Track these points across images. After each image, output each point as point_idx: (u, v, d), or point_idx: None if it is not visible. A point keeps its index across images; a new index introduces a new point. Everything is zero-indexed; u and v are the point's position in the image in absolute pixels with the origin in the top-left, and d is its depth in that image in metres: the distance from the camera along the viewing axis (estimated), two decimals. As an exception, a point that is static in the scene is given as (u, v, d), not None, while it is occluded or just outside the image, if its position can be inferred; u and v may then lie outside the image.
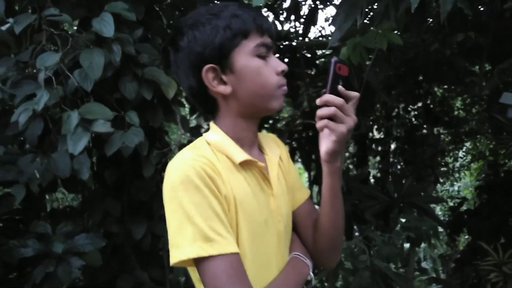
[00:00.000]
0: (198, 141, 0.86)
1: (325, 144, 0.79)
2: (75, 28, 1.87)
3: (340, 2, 1.43)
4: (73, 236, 1.62)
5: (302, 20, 3.03)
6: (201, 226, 0.71)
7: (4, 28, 1.66)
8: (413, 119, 3.95)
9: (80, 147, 1.46)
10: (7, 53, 1.80)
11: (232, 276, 0.71)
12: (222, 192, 0.76)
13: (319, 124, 0.77)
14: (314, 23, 3.02)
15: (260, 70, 0.81)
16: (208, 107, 0.87)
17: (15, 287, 1.64)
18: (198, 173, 0.74)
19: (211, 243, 0.70)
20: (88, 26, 1.69)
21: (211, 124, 0.89)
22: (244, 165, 0.83)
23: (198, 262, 0.71)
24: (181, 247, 0.71)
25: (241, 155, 0.82)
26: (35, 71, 1.67)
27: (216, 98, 0.85)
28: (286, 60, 3.10)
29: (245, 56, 0.81)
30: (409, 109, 3.99)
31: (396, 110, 3.96)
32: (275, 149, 0.95)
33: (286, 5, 3.12)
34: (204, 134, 0.88)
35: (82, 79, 1.49)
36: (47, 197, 2.17)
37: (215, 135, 0.85)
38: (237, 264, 0.72)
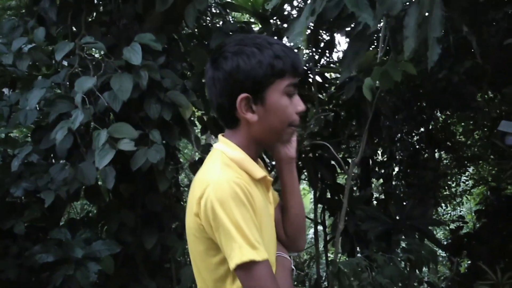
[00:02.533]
0: (225, 159, 0.93)
1: (293, 147, 1.03)
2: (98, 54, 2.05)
3: (348, 45, 1.60)
4: (91, 242, 1.76)
5: (319, 48, 3.18)
6: (249, 236, 0.82)
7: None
8: (416, 144, 4.07)
9: (105, 162, 1.63)
10: (37, 75, 1.98)
11: (272, 277, 0.86)
12: (257, 208, 0.88)
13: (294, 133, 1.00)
14: (330, 53, 3.20)
15: (286, 108, 0.92)
16: (230, 124, 0.96)
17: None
18: (243, 191, 0.85)
19: (257, 251, 0.82)
20: (115, 53, 1.87)
21: (224, 139, 0.97)
22: (259, 180, 0.95)
23: (242, 267, 0.82)
24: (235, 251, 0.82)
25: (259, 172, 0.94)
26: (66, 90, 1.84)
27: (240, 119, 0.94)
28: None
29: (277, 93, 0.91)
30: (412, 133, 4.10)
31: (399, 134, 4.08)
32: (262, 167, 1.06)
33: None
34: (219, 148, 0.95)
35: (112, 100, 1.66)
36: (74, 207, 2.31)
37: (235, 152, 0.94)
38: (270, 268, 0.87)
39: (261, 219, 0.90)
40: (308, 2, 1.51)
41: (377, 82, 1.97)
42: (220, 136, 0.99)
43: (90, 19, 1.98)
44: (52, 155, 1.87)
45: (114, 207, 2.11)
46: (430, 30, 1.43)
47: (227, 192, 0.84)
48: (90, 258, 1.64)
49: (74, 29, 2.00)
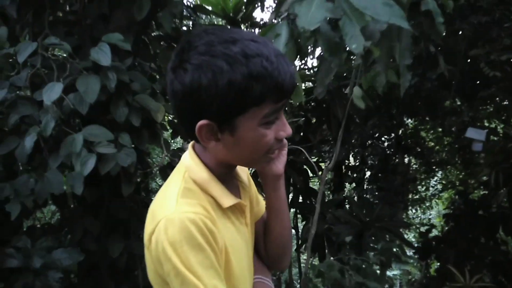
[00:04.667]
0: (189, 184, 0.78)
1: (282, 162, 0.87)
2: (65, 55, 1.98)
3: (319, 62, 1.63)
4: (52, 251, 1.68)
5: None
6: (206, 282, 0.69)
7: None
8: (386, 149, 4.15)
9: (89, 168, 1.57)
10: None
11: None
12: (219, 244, 0.74)
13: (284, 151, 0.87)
14: (302, 58, 3.21)
15: (261, 139, 0.73)
16: (197, 141, 0.80)
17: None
18: (200, 229, 0.70)
19: None
20: (80, 53, 1.82)
21: (192, 152, 0.82)
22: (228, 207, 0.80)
23: None
24: None
25: (227, 200, 0.79)
26: (28, 92, 1.77)
27: None
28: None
29: (250, 125, 0.71)
30: (382, 139, 4.19)
31: (370, 139, 4.16)
32: (243, 169, 0.93)
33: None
34: (185, 163, 0.81)
35: (78, 102, 1.60)
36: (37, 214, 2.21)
37: (201, 173, 0.79)
38: None
39: (229, 257, 0.78)
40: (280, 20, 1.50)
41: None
42: (190, 146, 0.84)
43: (53, 18, 1.91)
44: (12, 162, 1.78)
45: (77, 214, 2.04)
46: (401, 58, 1.47)
47: (180, 234, 0.69)
48: (51, 267, 1.57)
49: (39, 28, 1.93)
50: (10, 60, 1.84)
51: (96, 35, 1.77)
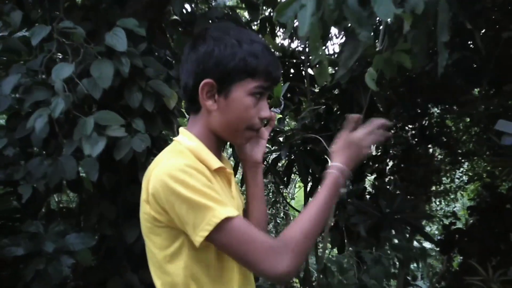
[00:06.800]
0: (180, 147, 0.90)
1: (261, 151, 1.01)
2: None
3: (344, 41, 1.54)
4: (65, 235, 1.70)
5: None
6: (215, 196, 0.80)
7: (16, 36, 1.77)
8: (410, 139, 4.02)
9: (98, 150, 1.58)
10: (17, 60, 1.91)
11: (252, 228, 0.83)
12: (214, 185, 0.85)
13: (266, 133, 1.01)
14: (324, 44, 3.12)
15: (248, 109, 0.89)
16: (191, 107, 0.94)
17: (8, 285, 1.71)
18: (196, 167, 0.82)
19: (228, 208, 0.80)
20: (96, 38, 1.80)
21: (183, 130, 0.95)
22: (217, 171, 0.92)
23: (218, 229, 0.78)
24: (205, 216, 0.78)
25: (216, 163, 0.91)
26: (44, 76, 1.77)
27: (201, 106, 0.91)
28: (291, 76, 3.19)
29: (243, 92, 0.88)
30: (406, 128, 4.05)
31: (394, 128, 4.03)
32: (227, 162, 1.06)
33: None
34: (179, 139, 0.93)
35: (92, 87, 1.60)
36: (55, 197, 2.25)
37: (191, 142, 0.91)
38: (247, 221, 0.85)
39: (223, 197, 0.86)
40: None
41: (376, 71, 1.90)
42: (180, 128, 0.97)
43: (69, 3, 1.90)
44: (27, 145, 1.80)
45: (95, 199, 2.06)
46: (439, 35, 1.37)
47: (177, 167, 0.80)
48: (63, 251, 1.59)
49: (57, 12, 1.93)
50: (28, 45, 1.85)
51: (111, 20, 1.75)
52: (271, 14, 2.71)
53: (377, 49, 2.12)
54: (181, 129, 0.96)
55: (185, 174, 0.79)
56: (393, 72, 1.75)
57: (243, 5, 2.50)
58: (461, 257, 3.97)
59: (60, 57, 1.71)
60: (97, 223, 1.97)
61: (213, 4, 2.21)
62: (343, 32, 3.44)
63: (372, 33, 1.32)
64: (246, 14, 3.00)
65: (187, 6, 1.99)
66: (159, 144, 2.24)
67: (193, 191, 0.78)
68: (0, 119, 2.58)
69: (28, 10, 1.88)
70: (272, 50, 0.93)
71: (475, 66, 3.09)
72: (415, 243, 2.93)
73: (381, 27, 1.85)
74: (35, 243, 1.58)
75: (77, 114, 1.65)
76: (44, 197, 1.90)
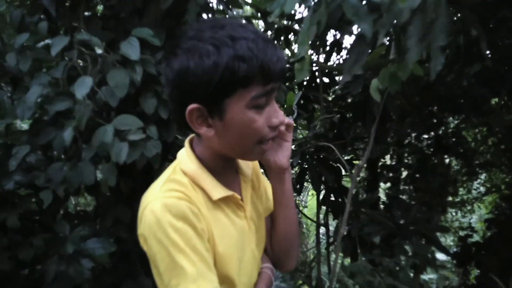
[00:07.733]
0: (176, 175, 0.80)
1: (286, 155, 0.85)
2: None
3: (350, 48, 1.56)
4: (86, 239, 1.75)
5: (326, 47, 3.13)
6: (197, 263, 0.71)
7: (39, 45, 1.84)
8: (425, 148, 3.98)
9: (123, 156, 1.62)
10: (39, 67, 1.98)
11: None
12: (201, 223, 0.75)
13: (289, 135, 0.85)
14: (338, 52, 3.13)
15: (252, 124, 0.73)
16: (192, 132, 0.82)
17: (26, 283, 1.76)
18: (181, 213, 0.72)
19: (200, 281, 0.70)
20: (116, 47, 1.86)
21: (187, 146, 0.83)
22: (220, 199, 0.81)
23: None
24: (183, 284, 0.70)
25: (216, 193, 0.79)
26: (65, 84, 1.83)
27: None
28: (304, 83, 3.20)
29: (239, 107, 0.71)
30: (421, 138, 4.01)
31: (408, 138, 4.00)
32: (248, 164, 0.92)
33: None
34: (180, 158, 0.83)
35: (109, 95, 1.65)
36: (72, 200, 2.30)
37: (190, 165, 0.80)
38: None
39: (214, 241, 0.78)
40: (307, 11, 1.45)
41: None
42: (186, 140, 0.85)
43: (90, 13, 1.97)
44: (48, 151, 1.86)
45: (111, 203, 2.11)
46: (433, 39, 1.36)
47: (162, 218, 0.71)
48: (83, 255, 1.63)
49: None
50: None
51: (129, 29, 1.81)
52: (287, 23, 2.74)
53: (391, 57, 2.12)
54: (186, 142, 0.85)
55: (170, 227, 0.70)
56: (397, 87, 1.75)
57: (258, 15, 2.54)
58: (478, 271, 3.88)
59: (81, 64, 1.77)
60: (112, 226, 2.01)
61: (229, 14, 2.25)
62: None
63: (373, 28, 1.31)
64: (261, 23, 3.04)
65: (204, 16, 2.03)
66: (174, 149, 2.28)
67: (174, 249, 0.70)
68: (23, 123, 2.67)
69: (54, 21, 1.96)
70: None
71: (494, 76, 3.05)
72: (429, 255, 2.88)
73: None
74: (55, 245, 1.63)
75: (96, 120, 1.70)
76: (63, 200, 1.96)
